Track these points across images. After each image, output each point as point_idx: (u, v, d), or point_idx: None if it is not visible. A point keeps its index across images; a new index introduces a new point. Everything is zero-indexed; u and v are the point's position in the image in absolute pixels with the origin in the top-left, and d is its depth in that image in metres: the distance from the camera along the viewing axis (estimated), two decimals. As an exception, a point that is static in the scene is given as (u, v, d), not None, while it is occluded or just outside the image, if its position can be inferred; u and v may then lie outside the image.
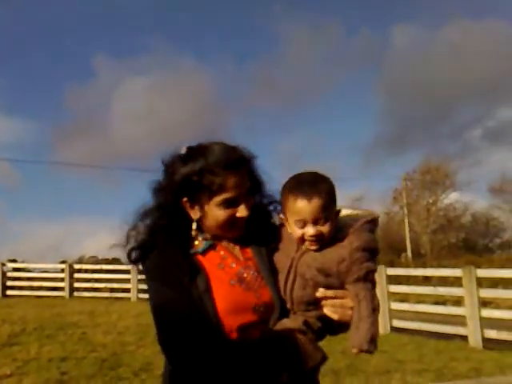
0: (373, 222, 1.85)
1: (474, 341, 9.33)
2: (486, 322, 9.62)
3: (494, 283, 15.90)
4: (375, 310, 1.72)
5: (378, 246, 1.80)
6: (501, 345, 9.07)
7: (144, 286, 18.37)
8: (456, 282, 12.71)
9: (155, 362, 6.38)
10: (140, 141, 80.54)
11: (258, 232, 1.87)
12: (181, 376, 1.71)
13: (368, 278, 1.75)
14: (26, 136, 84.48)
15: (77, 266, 20.69)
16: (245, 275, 1.79)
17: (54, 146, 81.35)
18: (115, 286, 19.38)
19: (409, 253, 39.17)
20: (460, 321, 10.14)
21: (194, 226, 1.82)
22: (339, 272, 1.75)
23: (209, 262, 1.78)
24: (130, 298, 18.35)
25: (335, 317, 1.73)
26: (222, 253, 1.83)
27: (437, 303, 13.30)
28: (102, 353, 6.66)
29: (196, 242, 1.83)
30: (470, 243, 41.05)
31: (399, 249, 38.46)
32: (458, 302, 14.11)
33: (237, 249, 1.86)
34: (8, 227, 74.93)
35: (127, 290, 18.90)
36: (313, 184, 1.79)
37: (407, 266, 24.07)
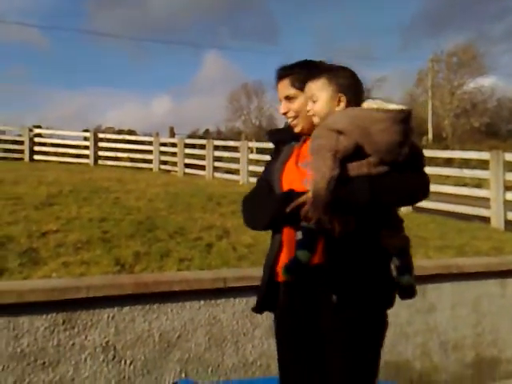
0: (391, 112, 2.09)
1: (497, 222, 9.54)
2: (509, 206, 9.79)
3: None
4: (315, 181, 2.02)
5: (340, 127, 2.06)
6: (522, 228, 9.30)
7: (165, 158, 18.77)
8: (479, 165, 12.73)
9: (187, 227, 6.65)
10: (176, 13, 77.80)
11: None
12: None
13: (318, 153, 2.06)
14: (60, 3, 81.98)
15: (101, 135, 20.89)
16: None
17: (89, 14, 78.90)
18: (138, 156, 19.69)
19: (430, 136, 38.96)
20: (480, 203, 10.34)
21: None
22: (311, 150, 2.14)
23: (299, 150, 2.35)
24: (151, 169, 18.70)
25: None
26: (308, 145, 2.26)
27: (457, 185, 13.38)
28: (138, 216, 6.92)
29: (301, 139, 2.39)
30: (493, 128, 40.56)
31: (421, 131, 38.22)
32: (478, 185, 14.25)
33: None
34: (35, 93, 74.99)
35: (149, 161, 19.22)
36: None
37: (428, 148, 23.98)
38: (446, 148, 23.91)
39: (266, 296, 2.33)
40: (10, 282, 4.10)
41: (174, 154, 18.92)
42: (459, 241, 7.42)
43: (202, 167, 17.56)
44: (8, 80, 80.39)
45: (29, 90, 77.53)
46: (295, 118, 2.36)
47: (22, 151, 20.02)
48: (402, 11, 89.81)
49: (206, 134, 43.72)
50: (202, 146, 18.22)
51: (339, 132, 2.04)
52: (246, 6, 79.76)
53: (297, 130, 2.37)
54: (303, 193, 2.09)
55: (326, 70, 2.23)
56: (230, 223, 7.13)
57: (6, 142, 21.23)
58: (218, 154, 17.71)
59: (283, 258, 2.22)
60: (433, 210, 10.37)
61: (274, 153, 2.52)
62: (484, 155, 10.57)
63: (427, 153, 13.43)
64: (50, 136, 21.82)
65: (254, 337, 3.85)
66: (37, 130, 21.52)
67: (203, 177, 16.76)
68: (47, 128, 23.26)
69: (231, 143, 19.33)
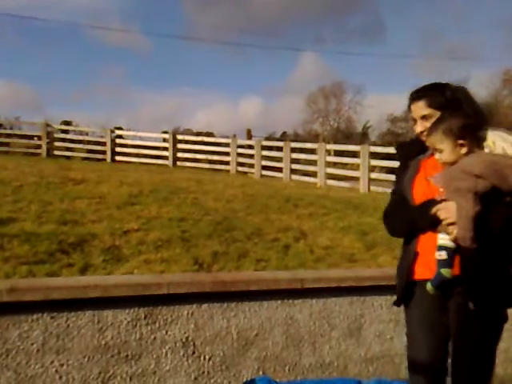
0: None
1: None
2: None
3: None
4: (461, 217, 2.33)
5: (478, 172, 2.34)
6: None
7: (243, 160, 19.00)
8: None
9: (264, 228, 6.71)
10: (277, 15, 78.03)
11: None
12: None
13: (459, 194, 2.36)
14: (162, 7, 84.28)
15: (179, 137, 21.34)
16: (440, 177, 2.49)
17: (189, 17, 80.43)
18: (215, 158, 19.98)
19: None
20: None
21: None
22: (447, 187, 2.43)
23: (425, 163, 2.65)
24: (228, 171, 18.93)
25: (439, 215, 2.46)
26: (435, 158, 2.58)
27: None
28: (215, 216, 7.04)
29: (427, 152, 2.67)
30: None
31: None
32: None
33: None
34: (129, 95, 77.70)
35: (226, 163, 19.47)
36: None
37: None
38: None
39: (405, 293, 2.67)
40: (95, 277, 4.27)
41: (251, 156, 19.10)
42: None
43: (279, 169, 17.64)
44: (105, 81, 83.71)
45: (124, 92, 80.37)
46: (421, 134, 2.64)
47: (104, 152, 20.73)
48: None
49: (284, 137, 43.82)
50: (279, 148, 18.30)
51: (477, 176, 2.35)
52: (352, 6, 78.91)
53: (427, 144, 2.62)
54: (439, 201, 2.46)
55: (440, 120, 2.50)
56: (306, 225, 7.14)
57: (89, 142, 22.05)
58: (295, 156, 17.72)
59: (419, 264, 2.59)
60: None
61: (403, 166, 2.78)
62: None
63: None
64: (132, 137, 22.51)
65: (332, 338, 3.85)
66: (118, 132, 22.23)
67: (280, 179, 16.82)
68: (128, 129, 23.97)
69: (308, 145, 19.33)
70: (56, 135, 22.26)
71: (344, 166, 17.62)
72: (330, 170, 16.21)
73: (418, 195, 2.59)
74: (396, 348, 3.91)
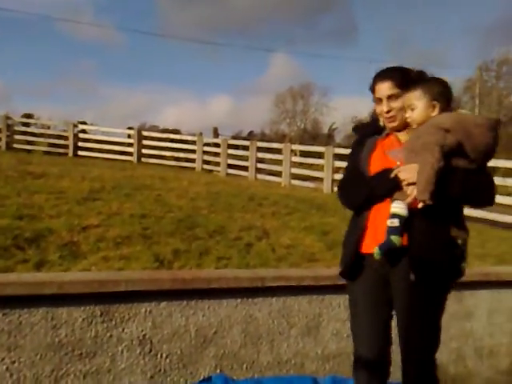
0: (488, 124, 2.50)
1: (539, 232, 9.30)
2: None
3: None
4: (425, 171, 2.38)
5: (448, 126, 2.44)
6: None
7: (208, 158, 18.93)
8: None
9: (227, 226, 6.68)
10: (250, 16, 77.54)
11: None
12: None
13: (426, 148, 2.43)
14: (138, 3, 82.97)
15: (145, 133, 21.15)
16: (399, 151, 2.61)
17: (164, 15, 79.52)
18: (181, 155, 19.86)
19: (476, 144, 38.17)
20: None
21: (381, 119, 2.76)
22: (413, 148, 2.51)
23: (382, 142, 2.74)
24: (194, 168, 18.84)
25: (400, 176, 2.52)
26: (392, 138, 2.74)
27: (501, 195, 13.10)
28: (178, 214, 6.97)
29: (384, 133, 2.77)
30: (540, 138, 39.46)
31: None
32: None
33: (405, 137, 2.70)
34: (99, 90, 76.59)
35: (192, 161, 19.38)
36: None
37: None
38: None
39: (351, 265, 2.71)
40: (51, 274, 4.18)
41: (217, 155, 19.05)
42: (500, 249, 7.27)
43: (245, 168, 17.63)
44: (77, 75, 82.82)
45: (95, 87, 79.55)
46: (395, 115, 2.68)
47: (66, 146, 20.40)
48: (482, 15, 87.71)
49: (250, 136, 43.82)
50: (246, 147, 18.30)
51: (446, 130, 2.44)
52: (325, 8, 79.46)
53: (392, 125, 2.70)
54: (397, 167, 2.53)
55: (423, 80, 2.62)
56: (269, 224, 7.13)
57: (50, 136, 21.65)
58: (261, 155, 17.75)
59: (367, 237, 2.65)
60: (475, 219, 10.18)
61: (358, 145, 2.82)
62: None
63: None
64: (96, 132, 22.20)
65: (290, 336, 3.84)
66: (81, 126, 21.91)
67: (245, 178, 16.82)
68: (92, 124, 23.66)
69: (274, 145, 19.37)
70: (17, 128, 21.81)
71: (309, 166, 17.70)
72: (295, 170, 16.28)
73: (375, 170, 2.64)
74: (352, 346, 3.93)
